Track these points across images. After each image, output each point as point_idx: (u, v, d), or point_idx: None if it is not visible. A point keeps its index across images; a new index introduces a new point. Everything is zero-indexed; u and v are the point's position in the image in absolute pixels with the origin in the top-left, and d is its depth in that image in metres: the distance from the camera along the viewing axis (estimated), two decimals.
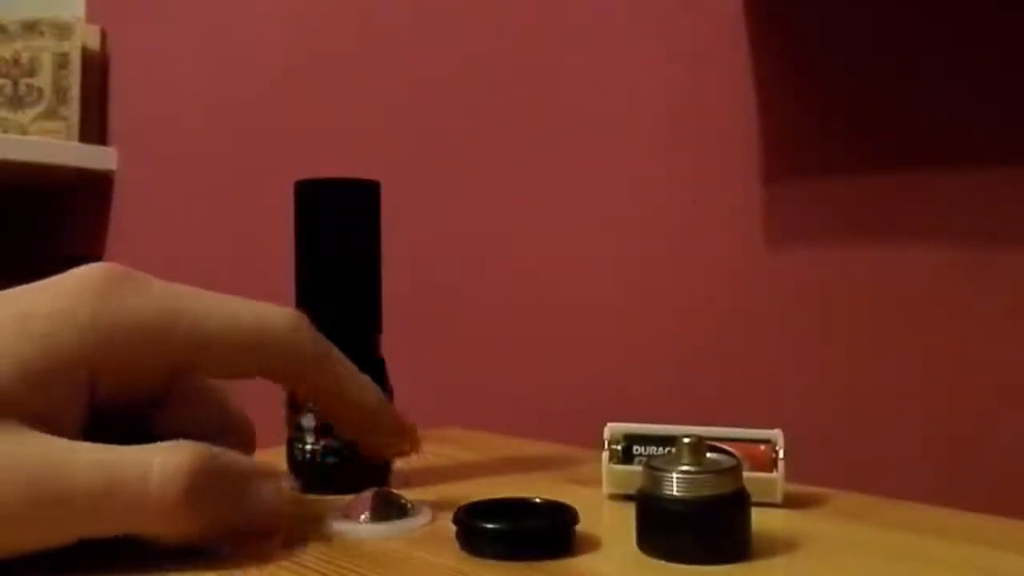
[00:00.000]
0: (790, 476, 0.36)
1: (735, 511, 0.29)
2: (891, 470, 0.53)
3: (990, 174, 0.51)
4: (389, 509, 0.33)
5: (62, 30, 1.09)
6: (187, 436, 0.29)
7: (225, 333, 0.31)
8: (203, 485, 0.27)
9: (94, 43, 1.12)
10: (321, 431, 0.39)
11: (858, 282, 0.56)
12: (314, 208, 0.40)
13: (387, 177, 0.43)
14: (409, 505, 0.33)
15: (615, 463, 0.37)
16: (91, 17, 1.15)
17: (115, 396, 0.29)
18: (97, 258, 1.08)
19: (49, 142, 1.06)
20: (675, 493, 0.29)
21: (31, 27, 1.09)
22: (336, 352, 0.33)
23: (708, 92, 0.63)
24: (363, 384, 0.34)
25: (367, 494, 0.33)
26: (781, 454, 0.36)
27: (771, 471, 0.36)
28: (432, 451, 0.50)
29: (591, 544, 0.31)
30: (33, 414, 0.27)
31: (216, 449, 0.29)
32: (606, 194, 0.68)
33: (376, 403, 0.34)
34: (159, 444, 0.28)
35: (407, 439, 0.35)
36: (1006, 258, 0.50)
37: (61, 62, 1.08)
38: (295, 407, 0.40)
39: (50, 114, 1.08)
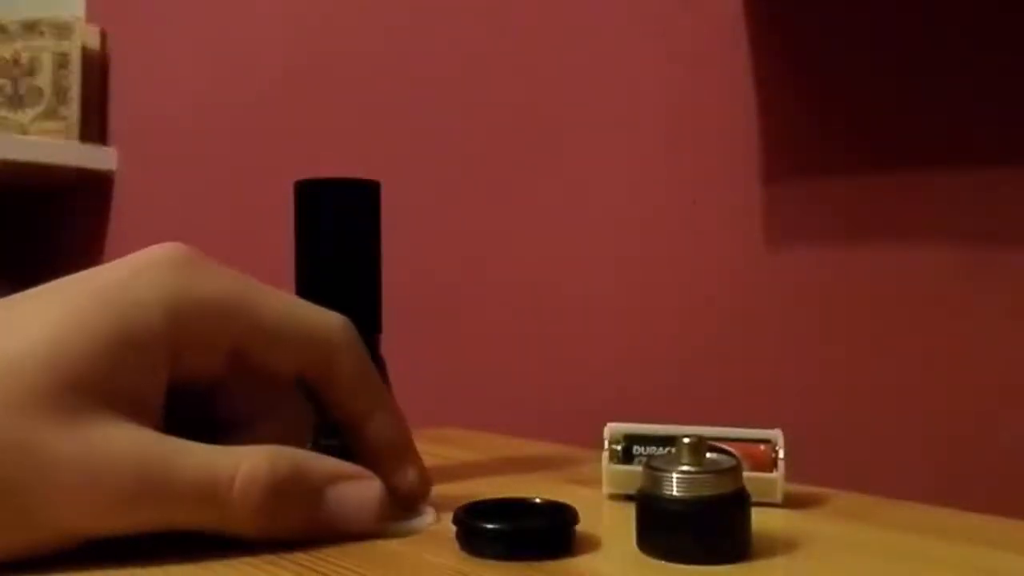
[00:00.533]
0: (790, 476, 0.36)
1: (735, 511, 0.29)
2: (891, 470, 0.53)
3: (990, 174, 0.51)
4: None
5: (62, 30, 1.09)
6: (252, 420, 0.30)
7: (286, 321, 0.31)
8: (281, 490, 0.28)
9: (94, 43, 1.12)
10: (322, 431, 0.39)
11: (858, 282, 0.56)
12: (314, 208, 0.40)
13: (387, 177, 0.43)
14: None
15: (615, 463, 0.37)
16: (91, 17, 1.15)
17: (186, 376, 0.30)
18: (97, 258, 1.08)
19: (49, 142, 1.06)
20: (675, 493, 0.29)
21: (31, 27, 1.09)
22: (376, 374, 0.33)
23: (708, 92, 0.63)
24: (394, 414, 0.34)
25: None
26: (781, 454, 0.36)
27: (771, 471, 0.36)
28: (432, 451, 0.50)
29: (591, 544, 0.31)
30: (120, 396, 0.27)
31: (298, 452, 0.29)
32: (606, 194, 0.68)
33: (403, 439, 0.34)
34: (245, 449, 0.28)
35: (423, 480, 0.34)
36: (1006, 258, 0.50)
37: (61, 62, 1.08)
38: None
39: (50, 114, 1.08)
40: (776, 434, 0.36)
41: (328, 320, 0.32)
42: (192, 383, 0.30)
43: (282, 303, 0.31)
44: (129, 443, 0.27)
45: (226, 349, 0.30)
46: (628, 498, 0.34)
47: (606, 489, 0.38)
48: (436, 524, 0.33)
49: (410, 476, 0.33)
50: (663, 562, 0.29)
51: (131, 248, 0.31)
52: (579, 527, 0.31)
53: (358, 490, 0.30)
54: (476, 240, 0.76)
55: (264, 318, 0.30)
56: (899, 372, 0.54)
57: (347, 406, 0.33)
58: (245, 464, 0.28)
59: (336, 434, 0.38)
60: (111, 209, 1.10)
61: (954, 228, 0.52)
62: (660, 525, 0.29)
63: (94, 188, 1.10)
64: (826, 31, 0.57)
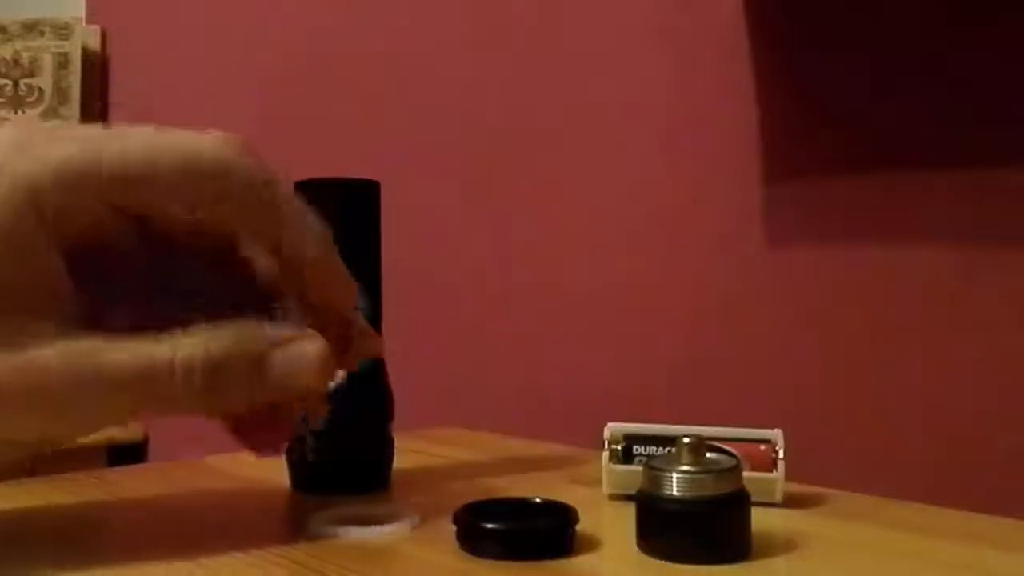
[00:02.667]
0: (790, 476, 0.36)
1: (735, 511, 0.29)
2: (891, 470, 0.53)
3: (990, 174, 0.51)
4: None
5: (62, 30, 1.09)
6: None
7: (150, 157, 0.29)
8: (222, 367, 0.28)
9: (94, 43, 1.12)
10: (320, 434, 0.39)
11: (858, 282, 0.56)
12: (314, 208, 0.40)
13: (387, 177, 0.43)
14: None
15: (615, 463, 0.37)
16: (91, 17, 1.15)
17: (83, 246, 0.29)
18: None
19: None
20: (675, 493, 0.29)
21: (31, 27, 1.09)
22: (283, 185, 0.32)
23: (708, 92, 0.63)
24: (311, 226, 0.32)
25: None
26: (781, 454, 0.36)
27: (771, 471, 0.36)
28: (432, 451, 0.50)
29: (591, 544, 0.31)
30: (17, 301, 0.27)
31: (234, 325, 0.29)
32: (606, 194, 0.68)
33: (324, 253, 0.32)
34: (186, 333, 0.28)
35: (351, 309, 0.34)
36: (1006, 258, 0.50)
37: (61, 62, 1.08)
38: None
39: (50, 114, 1.08)
40: (776, 434, 0.36)
41: (210, 141, 0.30)
42: (97, 253, 0.29)
43: (143, 140, 0.30)
44: (54, 354, 0.26)
45: (104, 207, 0.29)
46: (628, 498, 0.34)
47: (606, 489, 0.38)
48: (423, 526, 0.32)
49: (344, 295, 0.33)
50: (663, 562, 0.29)
51: None
52: (579, 527, 0.31)
53: (299, 349, 0.30)
54: (476, 240, 0.76)
55: (124, 163, 0.29)
56: (899, 372, 0.54)
57: (261, 223, 0.31)
58: (181, 351, 0.27)
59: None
60: None
61: (954, 228, 0.52)
62: (660, 525, 0.30)
63: None
64: (826, 31, 0.57)
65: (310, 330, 0.30)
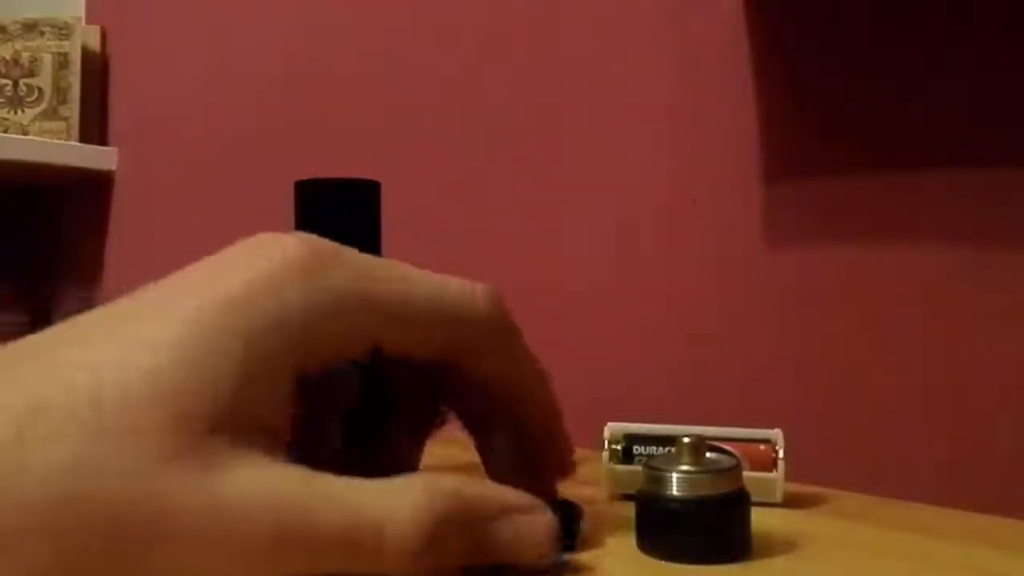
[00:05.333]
0: (790, 476, 0.36)
1: (735, 511, 0.29)
2: (891, 470, 0.53)
3: (990, 174, 0.51)
4: None
5: (62, 30, 1.09)
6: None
7: (426, 306, 0.28)
8: (439, 536, 0.25)
9: (94, 43, 1.12)
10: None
11: (858, 282, 0.56)
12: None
13: (387, 177, 0.43)
14: None
15: (615, 463, 0.37)
16: (91, 17, 1.15)
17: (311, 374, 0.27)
18: (98, 258, 1.08)
19: (49, 142, 1.06)
20: (675, 493, 0.29)
21: (31, 27, 1.09)
22: (524, 343, 0.31)
23: (708, 92, 0.63)
24: (545, 382, 0.31)
25: None
26: (781, 454, 0.36)
27: (771, 471, 0.36)
28: (432, 451, 0.50)
29: (591, 544, 0.31)
30: (248, 430, 0.24)
31: (457, 486, 0.26)
32: (606, 194, 0.68)
33: (555, 406, 0.31)
34: (396, 486, 0.25)
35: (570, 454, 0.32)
36: (1006, 258, 0.50)
37: (61, 62, 1.08)
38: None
39: (50, 114, 1.08)
40: (776, 434, 0.36)
41: (474, 290, 0.29)
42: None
43: (423, 281, 0.29)
44: (264, 492, 0.23)
45: (357, 346, 0.27)
46: (628, 498, 0.34)
47: (606, 489, 0.38)
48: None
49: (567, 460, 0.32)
50: (663, 562, 0.29)
51: (131, 248, 0.31)
52: (579, 526, 0.31)
53: (526, 526, 0.27)
54: (476, 240, 0.76)
55: (406, 304, 0.28)
56: (899, 372, 0.54)
57: (503, 375, 0.30)
58: (400, 512, 0.24)
59: (363, 439, 0.38)
60: (111, 209, 1.10)
61: (954, 228, 0.52)
62: (660, 525, 0.30)
63: (94, 188, 1.10)
64: (826, 31, 0.57)
65: (537, 501, 0.28)
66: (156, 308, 0.25)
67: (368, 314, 0.27)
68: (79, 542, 0.22)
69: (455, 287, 0.29)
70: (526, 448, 0.31)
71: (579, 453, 0.48)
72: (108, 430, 0.22)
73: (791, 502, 0.37)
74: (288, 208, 0.41)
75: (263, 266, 0.26)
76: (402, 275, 0.28)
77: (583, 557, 0.30)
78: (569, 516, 0.31)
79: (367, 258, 0.28)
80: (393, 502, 0.24)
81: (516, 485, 0.28)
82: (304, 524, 0.23)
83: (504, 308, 0.30)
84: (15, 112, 1.08)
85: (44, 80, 1.08)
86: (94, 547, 0.22)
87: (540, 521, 0.27)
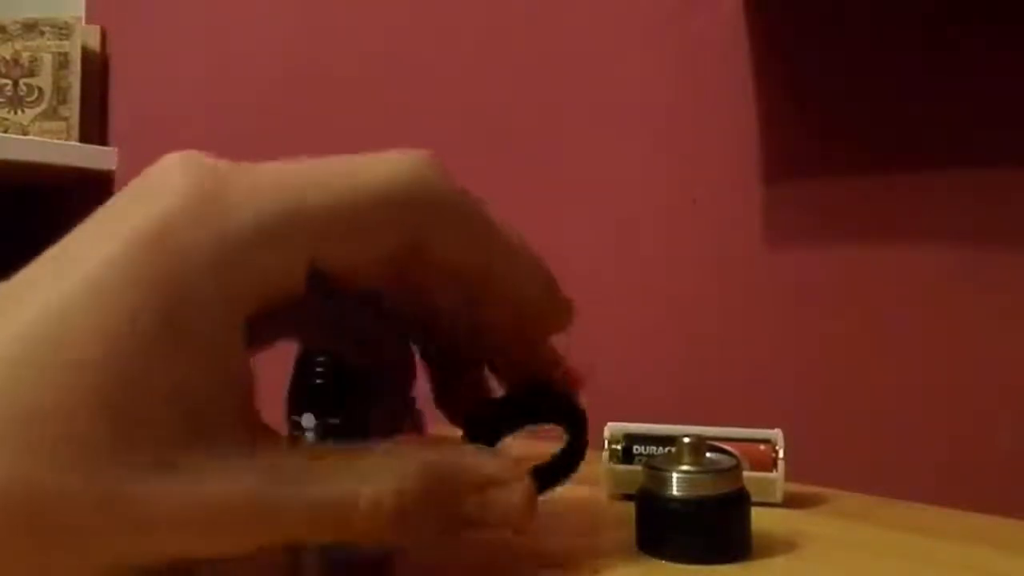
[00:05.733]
0: (790, 476, 0.36)
1: (735, 511, 0.29)
2: (891, 470, 0.53)
3: (990, 174, 0.51)
4: None
5: (62, 30, 1.09)
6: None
7: (361, 200, 0.24)
8: (411, 512, 0.24)
9: (94, 43, 1.12)
10: (322, 432, 0.39)
11: (858, 282, 0.56)
12: None
13: None
14: None
15: (615, 463, 0.37)
16: (91, 17, 1.15)
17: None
18: None
19: (49, 142, 1.06)
20: (675, 493, 0.29)
21: (31, 27, 1.09)
22: (484, 209, 0.27)
23: (708, 92, 0.63)
24: (524, 245, 0.28)
25: None
26: (781, 454, 0.36)
27: (771, 471, 0.36)
28: None
29: (591, 544, 0.31)
30: (194, 408, 0.22)
31: (429, 461, 0.25)
32: (606, 194, 0.68)
33: (545, 271, 0.29)
34: (367, 467, 0.24)
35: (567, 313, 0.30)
36: (1006, 258, 0.50)
37: (61, 62, 1.08)
38: (296, 404, 0.39)
39: (50, 114, 1.08)
40: (776, 434, 0.36)
41: (396, 169, 0.25)
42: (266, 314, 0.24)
43: (341, 178, 0.24)
44: (230, 483, 0.22)
45: (294, 273, 0.24)
46: (628, 498, 0.34)
47: (606, 489, 0.38)
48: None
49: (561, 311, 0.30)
50: (663, 562, 0.29)
51: None
52: (579, 527, 0.31)
53: (506, 496, 0.26)
54: None
55: (331, 211, 0.24)
56: (899, 372, 0.54)
57: (465, 250, 0.26)
58: (368, 492, 0.24)
59: (341, 406, 0.38)
60: None
61: (954, 228, 0.52)
62: (660, 525, 0.30)
63: (94, 188, 1.10)
64: (826, 31, 0.57)
65: (518, 468, 0.27)
66: (50, 274, 0.23)
67: (297, 231, 0.23)
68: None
69: (383, 167, 0.25)
70: (526, 331, 0.29)
71: None
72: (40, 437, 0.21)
73: (791, 502, 0.37)
74: None
75: (148, 216, 0.23)
76: (318, 173, 0.24)
77: (583, 557, 0.30)
78: (573, 432, 0.31)
79: (269, 168, 0.24)
80: (365, 478, 0.24)
81: (528, 378, 0.28)
82: (276, 509, 0.23)
83: (447, 173, 0.26)
84: (15, 112, 1.08)
85: (44, 80, 1.08)
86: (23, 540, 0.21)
87: (516, 492, 0.26)
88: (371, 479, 0.24)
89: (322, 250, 0.24)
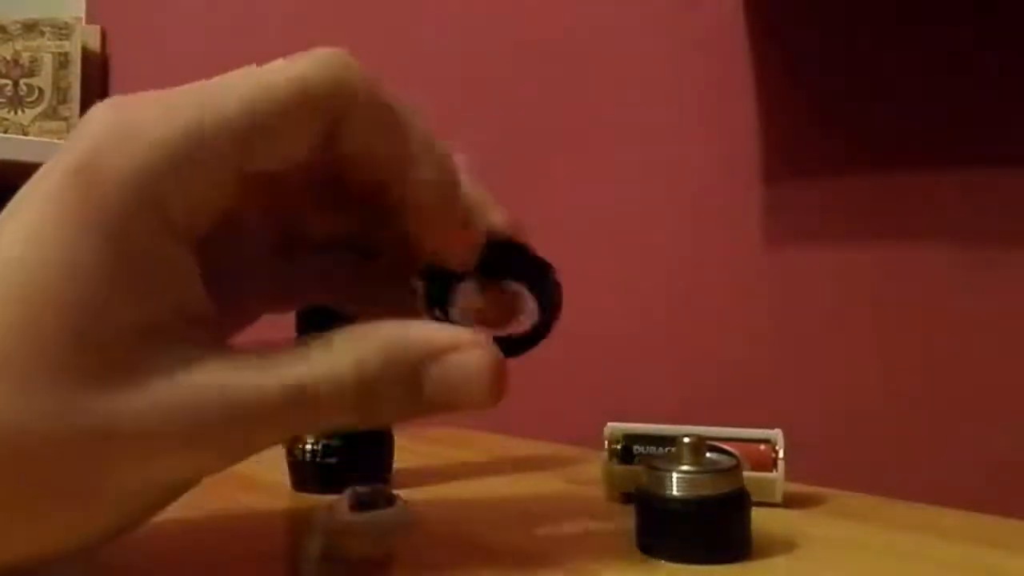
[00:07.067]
0: (790, 476, 0.36)
1: (735, 511, 0.29)
2: (891, 470, 0.53)
3: (990, 174, 0.51)
4: (367, 503, 0.32)
5: (62, 30, 1.09)
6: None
7: (265, 100, 0.24)
8: (374, 388, 0.24)
9: (94, 43, 1.12)
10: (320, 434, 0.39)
11: (858, 282, 0.56)
12: None
13: None
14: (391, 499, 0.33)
15: (615, 463, 0.37)
16: (91, 17, 1.15)
17: (211, 238, 0.25)
18: None
19: (49, 142, 1.06)
20: (675, 493, 0.29)
21: (31, 27, 1.09)
22: (394, 99, 0.27)
23: (708, 92, 0.63)
24: (439, 157, 0.28)
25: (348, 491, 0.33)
26: (781, 454, 0.36)
27: (771, 471, 0.36)
28: (432, 451, 0.50)
29: (591, 544, 0.31)
30: (159, 322, 0.23)
31: (386, 332, 0.25)
32: (606, 194, 0.68)
33: (449, 168, 0.28)
34: (326, 344, 0.24)
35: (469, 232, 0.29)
36: (1006, 258, 0.50)
37: (61, 62, 1.08)
38: None
39: (50, 114, 1.08)
40: (776, 434, 0.36)
41: (308, 74, 0.25)
42: (221, 242, 0.25)
43: (247, 85, 0.25)
44: (198, 379, 0.23)
45: (231, 181, 0.24)
46: (628, 498, 0.34)
47: (605, 489, 0.38)
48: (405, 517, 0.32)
49: (498, 217, 0.29)
50: (663, 562, 0.29)
51: None
52: (579, 526, 0.30)
53: (464, 362, 0.25)
54: None
55: (240, 119, 0.24)
56: (899, 372, 0.54)
57: (378, 143, 0.26)
58: (327, 369, 0.24)
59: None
60: None
61: (954, 228, 0.52)
62: (660, 525, 0.29)
63: None
64: (826, 31, 0.57)
65: (477, 335, 0.26)
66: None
67: (220, 147, 0.24)
68: None
69: (296, 66, 0.25)
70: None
71: (579, 453, 0.48)
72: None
73: (791, 502, 0.37)
74: None
75: (73, 152, 0.23)
76: (233, 81, 0.25)
77: (582, 557, 0.30)
78: (539, 289, 0.29)
79: (185, 87, 0.25)
80: (324, 357, 0.24)
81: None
82: (248, 404, 0.23)
83: (360, 69, 0.26)
84: (15, 112, 1.08)
85: (44, 80, 1.08)
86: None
87: (476, 356, 0.25)
88: (336, 353, 0.24)
89: (241, 156, 0.24)
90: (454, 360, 0.25)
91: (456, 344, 0.25)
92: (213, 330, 0.25)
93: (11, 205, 0.24)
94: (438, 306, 0.29)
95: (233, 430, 0.23)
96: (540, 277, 0.30)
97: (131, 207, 0.22)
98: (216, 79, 0.26)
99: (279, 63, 0.25)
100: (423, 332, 0.26)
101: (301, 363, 0.24)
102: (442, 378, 0.25)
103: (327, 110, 0.25)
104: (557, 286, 0.30)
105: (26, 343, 0.21)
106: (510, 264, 0.30)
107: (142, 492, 0.23)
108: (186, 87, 0.25)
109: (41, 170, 0.25)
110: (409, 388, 0.25)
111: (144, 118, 0.24)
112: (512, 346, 0.28)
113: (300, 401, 0.24)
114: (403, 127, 0.27)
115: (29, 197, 0.24)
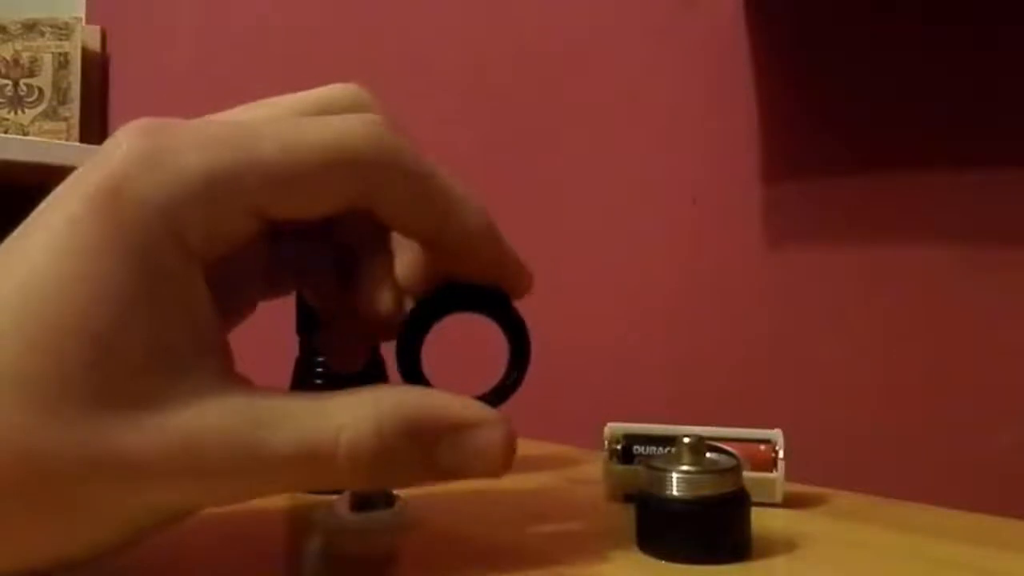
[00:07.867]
0: (790, 476, 0.36)
1: (735, 511, 0.29)
2: (891, 470, 0.53)
3: (990, 174, 0.51)
4: (367, 503, 0.32)
5: (62, 30, 1.09)
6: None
7: (296, 156, 0.24)
8: (391, 454, 0.24)
9: (94, 43, 1.12)
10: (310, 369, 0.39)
11: (857, 282, 0.56)
12: None
13: None
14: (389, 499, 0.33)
15: (615, 463, 0.37)
16: (91, 17, 1.15)
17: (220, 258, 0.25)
18: None
19: (49, 142, 1.06)
20: (675, 493, 0.29)
21: (31, 27, 1.09)
22: (438, 172, 0.27)
23: (708, 92, 0.63)
24: (463, 196, 0.28)
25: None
26: (781, 454, 0.36)
27: (771, 471, 0.36)
28: None
29: (591, 544, 0.31)
30: (163, 350, 0.23)
31: (408, 400, 0.25)
32: (606, 194, 0.68)
33: (492, 229, 0.29)
34: (344, 403, 0.24)
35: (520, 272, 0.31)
36: (1006, 258, 0.50)
37: (61, 62, 1.08)
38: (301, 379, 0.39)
39: (50, 114, 1.08)
40: (776, 434, 0.36)
41: (346, 131, 0.25)
42: (226, 264, 0.25)
43: (289, 135, 0.24)
44: (209, 420, 0.23)
45: (251, 219, 0.24)
46: (628, 498, 0.34)
47: (606, 489, 0.38)
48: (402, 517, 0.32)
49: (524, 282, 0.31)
50: (663, 562, 0.29)
51: None
52: (579, 527, 0.30)
53: (480, 439, 0.26)
54: None
55: (277, 165, 0.24)
56: (899, 372, 0.54)
57: (416, 225, 0.27)
58: (347, 431, 0.24)
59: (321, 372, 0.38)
60: None
61: (954, 228, 0.52)
62: (660, 525, 0.29)
63: None
64: (826, 31, 0.57)
65: (497, 413, 0.27)
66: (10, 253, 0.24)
67: (248, 187, 0.24)
68: None
69: (334, 125, 0.25)
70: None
71: (579, 453, 0.48)
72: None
73: (791, 502, 0.36)
74: None
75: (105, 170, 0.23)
76: (270, 127, 0.25)
77: (582, 558, 0.30)
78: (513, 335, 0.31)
79: (220, 122, 0.25)
80: (343, 423, 0.24)
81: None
82: (254, 452, 0.23)
83: (399, 133, 0.26)
84: (15, 112, 1.08)
85: (44, 80, 1.08)
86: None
87: (491, 434, 0.26)
88: (350, 419, 0.24)
89: (268, 201, 0.24)
90: (476, 435, 0.26)
91: (481, 421, 0.26)
92: (224, 359, 0.24)
93: (31, 221, 0.24)
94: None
95: (237, 480, 0.23)
96: (513, 326, 0.31)
97: (156, 235, 0.22)
98: (256, 118, 0.26)
99: (324, 120, 0.25)
100: (448, 405, 0.26)
101: (318, 420, 0.24)
102: (461, 450, 0.25)
103: (366, 176, 0.25)
104: (526, 337, 0.32)
105: (48, 364, 0.21)
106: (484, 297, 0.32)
107: (144, 516, 0.23)
108: (224, 121, 0.25)
109: (62, 187, 0.25)
110: (426, 457, 0.25)
111: (177, 148, 0.23)
112: (494, 399, 0.29)
113: (313, 461, 0.24)
114: (436, 195, 0.27)
115: (52, 216, 0.24)
